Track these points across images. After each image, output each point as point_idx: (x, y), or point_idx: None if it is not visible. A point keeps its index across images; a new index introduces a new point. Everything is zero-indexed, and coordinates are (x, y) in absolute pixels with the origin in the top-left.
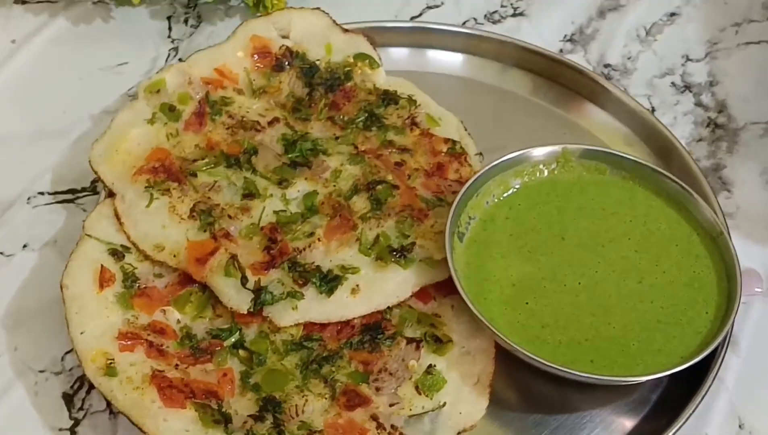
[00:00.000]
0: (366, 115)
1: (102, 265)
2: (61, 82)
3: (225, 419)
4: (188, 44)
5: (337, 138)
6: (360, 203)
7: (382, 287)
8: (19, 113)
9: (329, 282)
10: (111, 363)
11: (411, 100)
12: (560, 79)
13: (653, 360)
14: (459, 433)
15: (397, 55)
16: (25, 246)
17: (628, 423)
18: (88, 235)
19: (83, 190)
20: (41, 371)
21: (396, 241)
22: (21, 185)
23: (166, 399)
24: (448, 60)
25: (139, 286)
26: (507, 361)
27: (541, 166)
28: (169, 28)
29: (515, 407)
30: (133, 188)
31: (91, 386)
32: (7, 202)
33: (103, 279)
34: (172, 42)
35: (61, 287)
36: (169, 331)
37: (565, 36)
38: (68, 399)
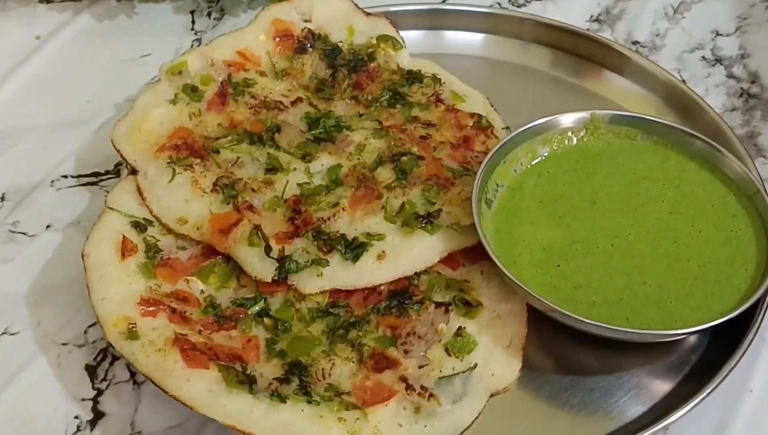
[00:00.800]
0: (390, 93)
1: (124, 236)
2: (85, 73)
3: (249, 381)
4: (211, 35)
5: (361, 115)
6: (385, 174)
7: (409, 253)
8: (43, 104)
9: (354, 249)
10: (133, 327)
11: (435, 79)
12: (583, 52)
13: (691, 317)
14: (491, 395)
15: (417, 37)
16: (48, 226)
17: (666, 385)
18: (110, 208)
19: (107, 173)
20: (64, 344)
21: (422, 208)
22: (45, 170)
23: (189, 360)
24: (467, 40)
25: (161, 258)
26: (540, 325)
27: (569, 134)
28: (193, 22)
29: (549, 370)
30: (156, 164)
31: (115, 358)
32: (31, 185)
33: (126, 249)
34: (195, 34)
35: (83, 256)
36: (192, 300)
37: (591, 16)
38: (91, 370)
